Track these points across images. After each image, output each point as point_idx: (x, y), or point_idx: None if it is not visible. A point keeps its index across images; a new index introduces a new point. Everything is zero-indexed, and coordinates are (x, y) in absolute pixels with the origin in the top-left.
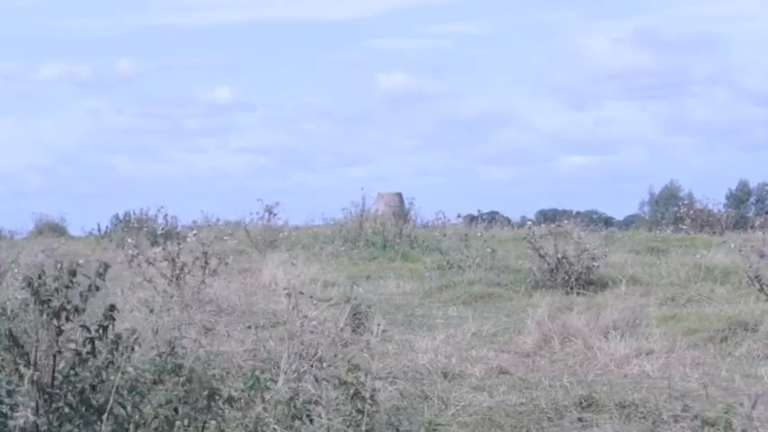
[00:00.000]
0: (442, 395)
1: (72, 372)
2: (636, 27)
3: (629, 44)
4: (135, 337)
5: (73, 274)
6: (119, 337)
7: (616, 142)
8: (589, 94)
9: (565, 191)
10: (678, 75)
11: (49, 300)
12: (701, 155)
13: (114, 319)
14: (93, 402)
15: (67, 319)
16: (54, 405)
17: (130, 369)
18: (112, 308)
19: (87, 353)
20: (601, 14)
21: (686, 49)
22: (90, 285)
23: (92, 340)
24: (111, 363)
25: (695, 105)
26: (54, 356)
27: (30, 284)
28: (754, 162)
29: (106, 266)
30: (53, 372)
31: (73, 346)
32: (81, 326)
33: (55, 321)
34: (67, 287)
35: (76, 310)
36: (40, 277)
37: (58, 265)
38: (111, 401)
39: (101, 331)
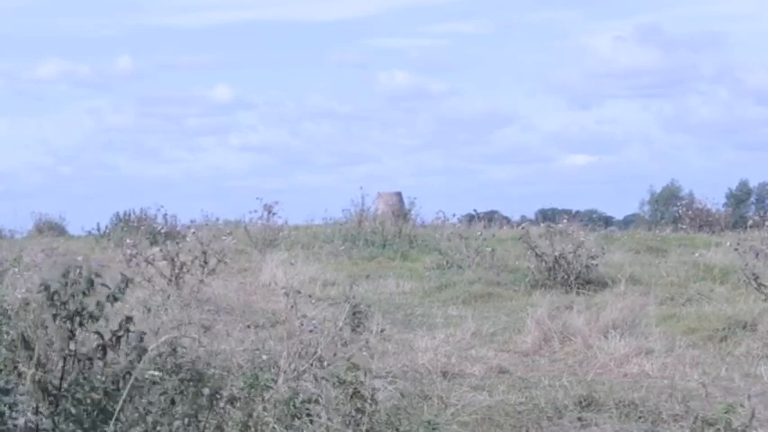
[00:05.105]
0: (442, 395)
1: (82, 376)
2: (638, 26)
3: (631, 43)
4: (140, 336)
5: (90, 283)
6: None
7: (617, 141)
8: (590, 93)
9: (565, 190)
10: (680, 74)
11: (65, 303)
12: (702, 154)
13: (129, 330)
14: (108, 407)
15: (81, 324)
16: (60, 407)
17: (154, 373)
18: (129, 319)
19: (99, 358)
20: (602, 13)
21: (689, 48)
22: (108, 295)
23: (104, 347)
24: (129, 373)
25: (697, 104)
26: (64, 359)
27: (47, 288)
28: (755, 162)
29: (128, 280)
30: (62, 374)
31: (84, 350)
32: (95, 332)
33: (68, 325)
34: (84, 294)
35: (91, 316)
36: (64, 277)
37: (77, 270)
38: (119, 406)
39: (114, 339)
